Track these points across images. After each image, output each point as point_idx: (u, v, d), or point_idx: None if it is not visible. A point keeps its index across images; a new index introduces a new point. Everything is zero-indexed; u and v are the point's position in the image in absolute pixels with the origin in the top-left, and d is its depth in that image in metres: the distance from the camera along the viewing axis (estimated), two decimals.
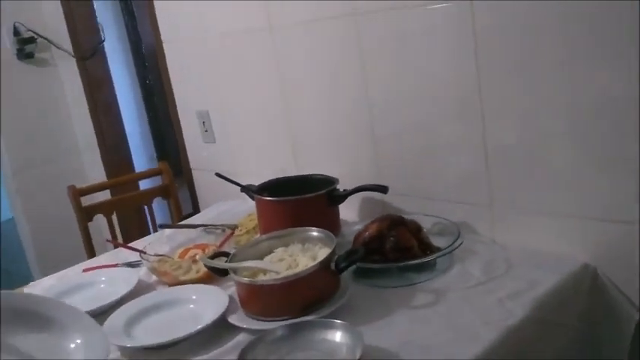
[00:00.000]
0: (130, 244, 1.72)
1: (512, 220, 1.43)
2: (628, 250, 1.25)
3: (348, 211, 1.71)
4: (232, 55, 1.99)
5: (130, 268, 1.63)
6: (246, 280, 1.25)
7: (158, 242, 1.67)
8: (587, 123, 1.25)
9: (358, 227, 1.54)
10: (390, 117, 1.61)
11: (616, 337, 1.28)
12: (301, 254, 1.34)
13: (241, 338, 1.20)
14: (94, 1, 3.00)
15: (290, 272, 1.25)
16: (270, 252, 1.38)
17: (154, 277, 1.55)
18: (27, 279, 2.04)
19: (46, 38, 2.94)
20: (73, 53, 2.90)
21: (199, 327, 1.20)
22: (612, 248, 1.28)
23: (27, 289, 1.63)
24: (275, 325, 1.15)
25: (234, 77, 2.02)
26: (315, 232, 1.39)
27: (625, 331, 1.27)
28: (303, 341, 1.09)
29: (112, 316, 1.30)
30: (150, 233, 2.22)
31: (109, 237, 2.24)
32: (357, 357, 1.00)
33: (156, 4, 2.19)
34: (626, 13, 1.13)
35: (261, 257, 1.36)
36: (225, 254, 1.36)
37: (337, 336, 1.09)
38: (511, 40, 1.31)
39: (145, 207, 2.36)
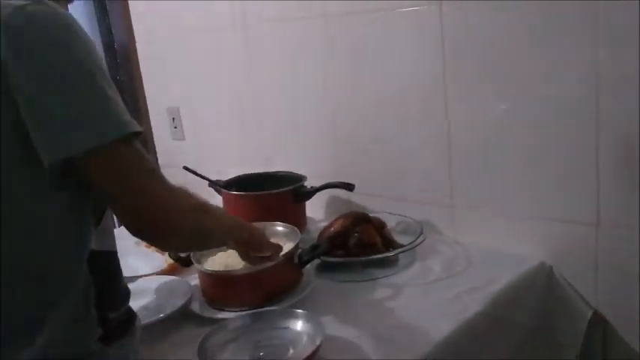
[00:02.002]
0: None
1: (473, 221, 1.47)
2: (583, 249, 1.30)
3: (315, 209, 1.74)
4: (204, 52, 2.00)
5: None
6: (210, 270, 1.26)
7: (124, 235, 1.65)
8: (547, 127, 1.29)
9: (323, 224, 1.56)
10: (357, 118, 1.64)
11: (570, 334, 1.31)
12: None
13: (204, 327, 1.20)
14: None
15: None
16: None
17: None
18: None
19: None
20: None
21: (161, 315, 1.21)
22: (568, 248, 1.32)
23: None
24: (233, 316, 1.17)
25: (205, 75, 2.03)
26: (280, 227, 1.41)
27: (579, 328, 1.30)
28: (264, 329, 1.11)
29: None
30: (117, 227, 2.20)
31: None
32: (317, 345, 1.02)
33: (130, 1, 2.20)
34: (591, 24, 1.18)
35: (226, 249, 1.37)
36: None
37: (298, 325, 1.10)
38: (479, 47, 1.35)
39: None
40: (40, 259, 0.86)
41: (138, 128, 0.85)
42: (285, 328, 1.11)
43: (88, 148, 0.81)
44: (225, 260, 1.30)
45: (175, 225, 0.91)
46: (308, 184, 1.65)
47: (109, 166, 0.85)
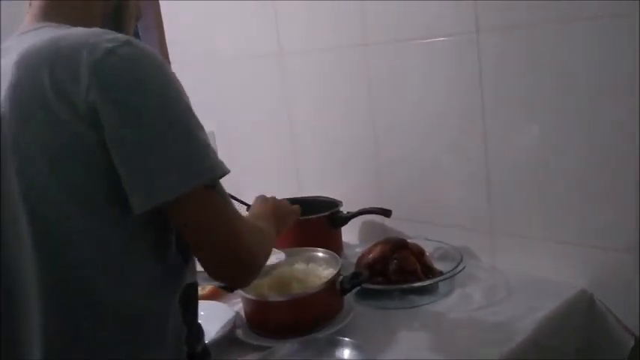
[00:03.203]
0: None
1: (512, 247, 1.47)
2: (624, 276, 1.29)
3: (349, 234, 1.75)
4: (241, 78, 2.02)
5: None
6: (254, 296, 1.27)
7: None
8: (587, 152, 1.29)
9: (359, 250, 1.57)
10: (394, 143, 1.65)
11: None
12: (306, 274, 1.37)
13: (248, 354, 1.22)
14: None
15: (297, 291, 1.28)
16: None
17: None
18: None
19: None
20: None
21: (206, 342, 1.22)
22: (609, 275, 1.32)
23: None
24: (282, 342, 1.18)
25: (242, 100, 2.05)
26: (320, 253, 1.42)
27: (620, 356, 1.30)
28: (311, 357, 1.12)
29: None
30: None
31: None
32: None
33: (165, 27, 2.23)
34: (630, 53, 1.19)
35: (265, 275, 1.38)
36: None
37: (345, 353, 1.11)
38: (516, 75, 1.36)
39: None
40: (134, 303, 0.87)
41: (224, 170, 0.86)
42: (331, 357, 1.12)
43: (175, 196, 0.81)
44: (271, 284, 1.32)
45: (259, 265, 0.94)
46: (344, 209, 1.67)
47: (195, 211, 0.85)
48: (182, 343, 0.93)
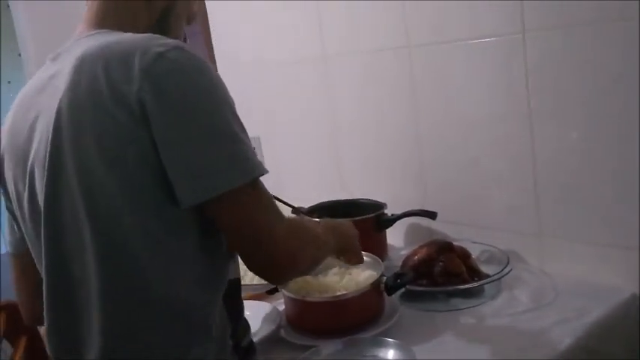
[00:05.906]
0: None
1: (560, 250, 1.44)
2: None
3: (394, 237, 1.74)
4: (286, 82, 2.04)
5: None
6: (298, 296, 1.28)
7: None
8: (637, 154, 1.26)
9: (405, 252, 1.56)
10: (438, 145, 1.65)
11: None
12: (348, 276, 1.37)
13: (293, 353, 1.22)
14: None
15: (341, 292, 1.29)
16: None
17: None
18: None
19: None
20: None
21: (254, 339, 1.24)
22: None
23: None
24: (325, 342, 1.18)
25: (286, 104, 2.07)
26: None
27: None
28: (355, 357, 1.12)
29: None
30: None
31: None
32: None
33: (212, 31, 2.28)
34: None
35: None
36: None
37: (389, 354, 1.11)
38: (563, 75, 1.34)
39: None
40: (182, 298, 0.90)
41: (263, 171, 0.89)
42: (375, 356, 1.12)
43: (219, 193, 0.84)
44: (313, 285, 1.33)
45: (294, 267, 0.95)
46: (388, 211, 1.66)
47: (235, 208, 0.87)
48: (227, 338, 0.95)
